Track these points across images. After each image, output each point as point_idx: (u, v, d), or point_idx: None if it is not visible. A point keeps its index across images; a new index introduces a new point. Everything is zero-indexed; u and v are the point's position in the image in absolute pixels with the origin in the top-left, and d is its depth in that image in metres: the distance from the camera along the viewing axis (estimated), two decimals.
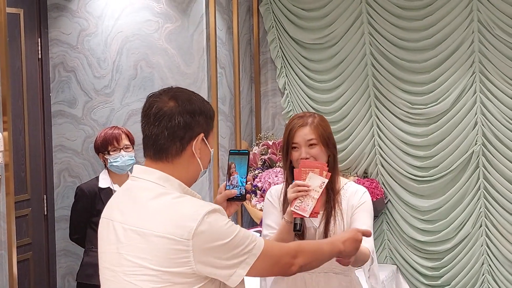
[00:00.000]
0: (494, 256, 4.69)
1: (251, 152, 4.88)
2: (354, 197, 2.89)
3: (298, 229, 2.69)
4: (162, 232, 1.89)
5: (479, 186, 4.69)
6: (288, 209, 2.73)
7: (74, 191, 4.37)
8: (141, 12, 4.63)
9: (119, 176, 4.21)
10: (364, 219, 2.85)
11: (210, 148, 2.08)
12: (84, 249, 4.27)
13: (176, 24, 4.58)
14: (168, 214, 1.91)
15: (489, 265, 4.72)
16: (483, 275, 4.74)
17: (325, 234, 2.83)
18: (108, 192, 4.16)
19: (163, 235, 1.89)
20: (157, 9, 4.60)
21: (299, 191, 2.68)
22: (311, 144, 2.81)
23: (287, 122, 3.01)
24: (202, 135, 2.03)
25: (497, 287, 4.70)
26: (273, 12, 5.12)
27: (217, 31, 4.60)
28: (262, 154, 4.90)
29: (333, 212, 2.83)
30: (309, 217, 2.70)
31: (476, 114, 4.65)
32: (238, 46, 4.93)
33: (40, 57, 4.71)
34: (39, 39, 4.71)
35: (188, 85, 4.52)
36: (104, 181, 4.21)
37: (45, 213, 4.72)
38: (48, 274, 4.75)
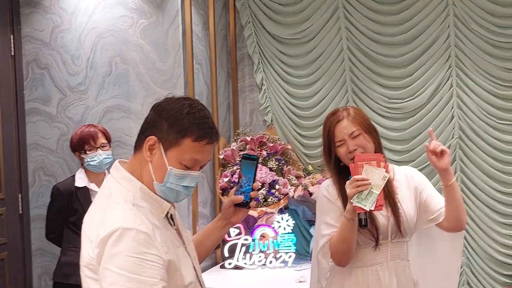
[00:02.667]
0: (472, 248, 4.71)
1: (228, 148, 4.85)
2: (413, 179, 2.94)
3: (364, 224, 2.65)
4: (89, 233, 1.90)
5: (456, 179, 4.69)
6: (348, 206, 2.67)
7: (49, 189, 4.33)
8: (115, 8, 4.58)
9: (96, 175, 4.16)
10: (435, 194, 2.95)
11: (167, 164, 1.96)
12: (61, 248, 4.22)
13: (151, 20, 4.53)
14: (98, 216, 1.90)
15: (467, 257, 4.73)
16: (461, 267, 4.75)
17: (397, 221, 2.84)
18: (85, 191, 4.12)
19: (88, 235, 1.90)
20: (131, 4, 4.55)
21: (359, 186, 2.63)
22: (354, 136, 2.81)
23: (324, 123, 2.92)
24: (154, 138, 1.96)
25: (476, 280, 4.72)
26: (250, 7, 5.10)
27: (193, 26, 4.57)
28: (241, 150, 4.87)
29: (396, 197, 2.84)
30: (374, 210, 2.65)
31: (452, 108, 4.67)
32: (215, 42, 4.89)
33: (13, 54, 4.65)
34: (11, 36, 4.65)
35: (164, 81, 4.49)
36: (81, 180, 4.16)
37: (20, 212, 4.66)
38: (24, 273, 4.69)
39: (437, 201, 2.93)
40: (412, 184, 2.94)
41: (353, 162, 2.70)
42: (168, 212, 2.02)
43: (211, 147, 2.01)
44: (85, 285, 1.94)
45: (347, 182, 2.68)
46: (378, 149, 2.86)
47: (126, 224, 1.83)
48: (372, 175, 2.65)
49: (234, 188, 2.31)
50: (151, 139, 1.96)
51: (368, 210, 2.63)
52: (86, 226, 1.95)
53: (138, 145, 2.01)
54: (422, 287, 3.01)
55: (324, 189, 2.92)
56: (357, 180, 2.63)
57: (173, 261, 1.92)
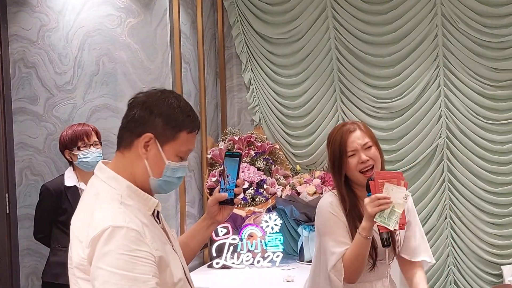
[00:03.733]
0: (459, 248, 4.73)
1: (216, 148, 4.85)
2: (407, 203, 2.84)
3: (387, 244, 2.64)
4: (78, 234, 1.90)
5: (444, 179, 4.72)
6: (365, 224, 2.64)
7: (36, 189, 4.31)
8: (103, 7, 4.56)
9: (86, 173, 4.15)
10: (418, 224, 2.98)
11: (165, 159, 1.99)
12: (50, 248, 4.21)
13: (138, 19, 4.52)
14: (86, 217, 1.90)
15: (454, 257, 4.75)
16: (448, 267, 4.77)
17: (393, 243, 2.85)
18: (74, 191, 4.11)
19: (77, 236, 1.90)
20: (119, 3, 4.54)
21: (381, 204, 2.60)
22: (367, 148, 2.81)
23: (331, 136, 2.90)
24: (149, 135, 1.96)
25: (463, 279, 4.73)
26: (238, 7, 5.09)
27: (181, 25, 4.55)
28: (228, 150, 4.86)
29: None
30: (397, 230, 2.64)
31: (440, 107, 4.68)
32: (203, 41, 4.89)
33: (0, 53, 4.62)
34: None
35: (152, 80, 4.47)
36: (70, 179, 4.15)
37: (7, 212, 4.62)
38: (11, 274, 4.66)
39: (415, 234, 2.95)
40: (407, 205, 2.91)
41: (370, 179, 2.68)
42: (155, 210, 2.02)
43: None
44: (75, 286, 1.92)
45: (367, 199, 2.64)
46: (383, 164, 2.88)
47: (116, 222, 1.83)
48: (393, 193, 2.62)
49: (218, 187, 2.30)
50: (147, 136, 1.96)
51: (392, 229, 2.61)
52: (75, 227, 1.94)
53: (126, 143, 2.00)
54: None
55: (328, 205, 2.86)
56: (379, 199, 2.60)
57: (164, 258, 1.92)
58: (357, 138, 2.82)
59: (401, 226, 2.63)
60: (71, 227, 1.97)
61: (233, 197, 2.26)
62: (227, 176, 2.28)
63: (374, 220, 2.60)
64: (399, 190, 2.62)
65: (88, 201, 1.96)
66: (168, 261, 1.95)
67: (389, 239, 2.64)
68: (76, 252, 1.88)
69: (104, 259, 1.79)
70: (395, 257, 2.96)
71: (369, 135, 2.86)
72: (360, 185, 2.83)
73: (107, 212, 1.87)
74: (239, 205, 4.49)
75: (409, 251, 2.94)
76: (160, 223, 2.06)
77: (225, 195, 2.26)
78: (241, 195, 2.33)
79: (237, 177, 2.26)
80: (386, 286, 2.90)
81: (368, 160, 2.79)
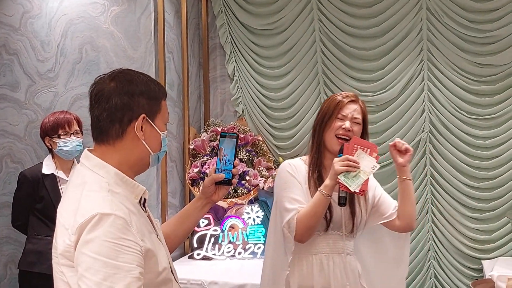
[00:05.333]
0: (440, 242, 4.74)
1: (199, 139, 4.83)
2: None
3: (343, 202, 2.71)
4: (63, 222, 1.88)
5: (426, 173, 4.73)
6: (329, 182, 2.72)
7: (16, 177, 4.27)
8: None
9: (64, 162, 4.12)
10: (387, 195, 3.08)
11: (159, 131, 2.02)
12: (26, 236, 4.17)
13: (122, 7, 4.48)
14: (72, 204, 1.88)
15: (435, 251, 4.76)
16: (429, 261, 4.79)
17: (352, 216, 2.93)
18: (52, 179, 4.08)
19: (63, 224, 1.87)
20: None
21: (349, 165, 2.69)
22: (355, 122, 2.90)
23: (333, 96, 2.99)
24: (143, 116, 1.97)
25: (443, 273, 4.75)
26: None
27: (165, 14, 4.52)
28: (211, 141, 4.85)
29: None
30: (357, 193, 2.72)
31: (423, 101, 4.69)
32: (187, 31, 4.86)
33: None
34: None
35: (135, 69, 4.43)
36: (48, 167, 4.12)
37: None
38: None
39: (389, 202, 3.05)
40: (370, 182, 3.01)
41: (346, 140, 2.78)
42: (141, 198, 2.01)
43: None
44: (58, 274, 1.90)
45: (336, 158, 2.73)
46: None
47: (104, 210, 1.81)
48: (363, 161, 2.72)
49: (214, 167, 2.33)
50: (141, 118, 1.97)
51: (352, 191, 2.69)
52: (60, 216, 1.92)
53: (116, 135, 1.97)
54: (367, 282, 3.06)
55: (287, 165, 2.95)
56: (349, 160, 2.69)
57: (149, 247, 1.91)
58: (353, 109, 2.91)
59: (361, 192, 2.71)
60: (57, 215, 1.95)
61: (230, 178, 2.30)
62: (224, 156, 2.31)
63: (338, 177, 2.68)
64: (369, 159, 2.73)
65: (74, 189, 1.93)
66: (154, 249, 1.94)
67: (346, 199, 2.72)
68: (62, 239, 1.86)
69: (88, 245, 1.78)
70: (356, 235, 3.01)
71: (363, 115, 2.95)
72: (330, 152, 2.91)
73: (95, 199, 1.85)
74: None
75: (391, 216, 3.02)
76: (146, 212, 2.05)
77: (222, 175, 2.30)
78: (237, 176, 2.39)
79: (235, 158, 2.31)
80: (345, 262, 2.92)
81: (349, 130, 2.86)
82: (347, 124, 2.86)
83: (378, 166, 2.74)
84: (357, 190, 2.69)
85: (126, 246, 1.80)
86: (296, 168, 2.92)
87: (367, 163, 2.72)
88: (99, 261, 1.75)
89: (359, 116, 2.91)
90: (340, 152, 2.77)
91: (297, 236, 2.80)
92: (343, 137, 2.86)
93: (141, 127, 1.97)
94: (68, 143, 4.07)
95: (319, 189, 2.75)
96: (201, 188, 2.35)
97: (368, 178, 2.72)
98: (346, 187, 2.68)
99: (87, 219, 1.79)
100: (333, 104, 2.92)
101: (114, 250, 1.77)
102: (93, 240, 1.77)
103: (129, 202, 1.93)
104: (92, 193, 1.88)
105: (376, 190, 3.06)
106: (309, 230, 2.80)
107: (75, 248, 1.81)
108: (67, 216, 1.87)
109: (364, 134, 2.95)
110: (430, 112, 4.68)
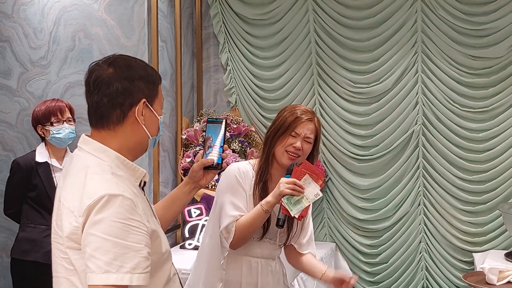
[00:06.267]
0: (432, 234, 4.75)
1: (191, 128, 4.81)
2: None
3: (281, 225, 2.76)
4: (68, 205, 1.88)
5: (419, 165, 4.73)
6: (271, 199, 2.76)
7: (8, 165, 4.26)
8: None
9: (58, 150, 4.11)
10: (311, 224, 3.13)
11: (157, 115, 2.04)
12: (19, 225, 4.16)
13: None
14: (77, 188, 1.88)
15: (427, 243, 4.77)
16: (420, 253, 4.80)
17: (289, 230, 2.98)
18: (46, 167, 4.07)
19: (68, 207, 1.87)
20: None
21: (295, 190, 2.72)
22: (306, 142, 2.91)
23: (291, 108, 2.98)
24: (143, 100, 1.98)
25: (434, 265, 4.76)
26: None
27: (158, 3, 4.50)
28: (204, 131, 4.83)
29: None
30: (296, 218, 2.79)
31: (417, 94, 4.68)
32: (180, 20, 4.83)
33: None
34: None
35: None
36: (42, 155, 4.10)
37: None
38: None
39: (307, 233, 3.08)
40: None
41: (296, 164, 2.81)
42: (141, 181, 2.03)
43: None
44: (59, 259, 1.90)
45: (284, 179, 2.76)
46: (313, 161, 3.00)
47: (111, 191, 1.82)
48: (309, 187, 2.77)
49: (201, 152, 2.35)
50: (142, 102, 1.98)
51: (292, 215, 2.75)
52: (64, 200, 1.92)
53: (117, 120, 1.97)
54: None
55: (237, 170, 2.95)
56: (296, 184, 2.73)
57: (154, 228, 1.94)
58: (308, 129, 2.91)
59: (300, 217, 2.79)
60: (61, 200, 1.94)
61: (220, 162, 2.34)
62: (212, 142, 2.35)
63: (282, 200, 2.73)
64: (314, 187, 2.79)
65: (76, 173, 1.93)
66: (158, 231, 1.98)
67: (283, 222, 2.76)
68: (68, 222, 1.86)
69: (97, 226, 1.79)
70: (283, 245, 3.07)
71: (317, 134, 2.96)
72: (279, 164, 2.93)
73: (101, 181, 1.86)
74: (212, 187, 4.49)
75: (300, 245, 3.06)
76: (145, 195, 2.07)
77: (211, 160, 2.34)
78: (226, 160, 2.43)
79: (224, 142, 2.34)
80: (273, 266, 3.00)
81: (299, 150, 2.89)
82: (297, 144, 2.87)
83: (321, 194, 2.80)
84: (296, 216, 2.75)
85: (135, 227, 1.82)
86: (244, 175, 2.93)
87: (312, 190, 2.77)
88: (108, 241, 1.77)
89: (312, 136, 2.92)
90: (288, 172, 2.82)
91: (233, 243, 2.84)
92: (293, 155, 2.89)
93: (141, 111, 1.98)
94: (61, 130, 4.06)
95: (260, 203, 2.79)
96: (189, 172, 2.37)
97: (310, 205, 2.78)
98: (287, 210, 2.73)
99: (95, 200, 1.80)
100: (291, 119, 2.92)
101: (123, 230, 1.79)
102: (102, 220, 1.79)
103: (131, 184, 1.95)
104: (96, 176, 1.88)
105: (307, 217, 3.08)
106: (244, 239, 2.86)
107: (83, 229, 1.81)
108: (72, 199, 1.87)
109: (313, 151, 2.97)
110: (423, 105, 4.68)
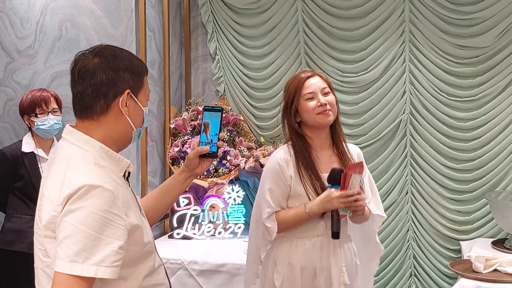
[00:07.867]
0: (419, 223, 4.77)
1: (180, 118, 4.81)
2: (361, 160, 3.06)
3: (337, 238, 2.86)
4: (49, 195, 1.88)
5: (406, 154, 4.75)
6: (316, 209, 2.83)
7: None
8: None
9: (44, 140, 4.09)
10: (368, 187, 3.13)
11: (142, 107, 2.04)
12: (5, 215, 4.15)
13: None
14: (58, 178, 1.88)
15: (414, 232, 4.80)
16: (408, 241, 4.82)
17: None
18: (32, 157, 4.05)
19: (48, 197, 1.88)
20: None
21: (347, 202, 2.80)
22: (326, 93, 2.90)
23: (288, 83, 3.00)
24: (128, 91, 1.98)
25: (422, 254, 4.79)
26: None
27: None
28: (192, 120, 4.83)
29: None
30: (350, 216, 2.96)
31: (405, 83, 4.69)
32: (168, 9, 4.81)
33: None
34: None
35: None
36: (28, 145, 4.09)
37: None
38: None
39: (367, 195, 3.09)
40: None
41: (342, 171, 2.83)
42: (125, 172, 2.03)
43: None
44: (39, 248, 1.90)
45: (336, 193, 2.79)
46: (338, 114, 3.02)
47: (92, 181, 1.82)
48: (355, 181, 2.83)
49: (198, 140, 2.35)
50: (126, 93, 1.98)
51: (349, 215, 2.92)
52: (46, 189, 1.92)
53: (101, 110, 1.97)
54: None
55: (280, 159, 2.94)
56: (349, 196, 2.78)
57: (134, 221, 1.92)
58: (316, 82, 2.91)
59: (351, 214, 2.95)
60: (41, 190, 1.95)
61: (216, 151, 2.33)
62: (209, 127, 2.35)
63: (339, 211, 2.81)
64: (358, 178, 2.85)
65: (59, 163, 1.93)
66: (139, 222, 1.96)
67: (339, 234, 2.82)
68: (47, 211, 1.86)
69: (72, 214, 1.78)
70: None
71: (327, 82, 2.94)
72: (315, 128, 2.92)
73: (82, 172, 1.86)
74: (201, 176, 4.49)
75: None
76: (129, 186, 2.07)
77: (207, 148, 2.33)
78: (222, 148, 2.43)
79: (220, 131, 2.34)
80: (342, 244, 2.99)
81: (326, 104, 2.86)
82: (321, 100, 2.87)
83: (363, 179, 2.90)
84: (351, 215, 2.91)
85: (110, 220, 1.81)
86: (286, 164, 2.92)
87: (356, 182, 2.84)
88: (81, 231, 1.76)
89: (325, 85, 2.91)
90: (334, 182, 2.83)
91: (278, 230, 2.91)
92: (324, 112, 2.87)
93: (126, 102, 1.98)
94: (45, 121, 4.04)
95: (306, 209, 2.83)
96: (185, 160, 2.37)
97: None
98: (345, 215, 2.87)
99: (74, 190, 1.80)
100: (295, 83, 2.93)
101: (97, 222, 1.78)
102: (78, 209, 1.78)
103: (115, 175, 1.95)
104: (79, 166, 1.88)
105: (365, 176, 3.08)
106: (287, 229, 2.93)
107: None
108: (53, 188, 1.87)
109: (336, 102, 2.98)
110: (411, 94, 4.69)
